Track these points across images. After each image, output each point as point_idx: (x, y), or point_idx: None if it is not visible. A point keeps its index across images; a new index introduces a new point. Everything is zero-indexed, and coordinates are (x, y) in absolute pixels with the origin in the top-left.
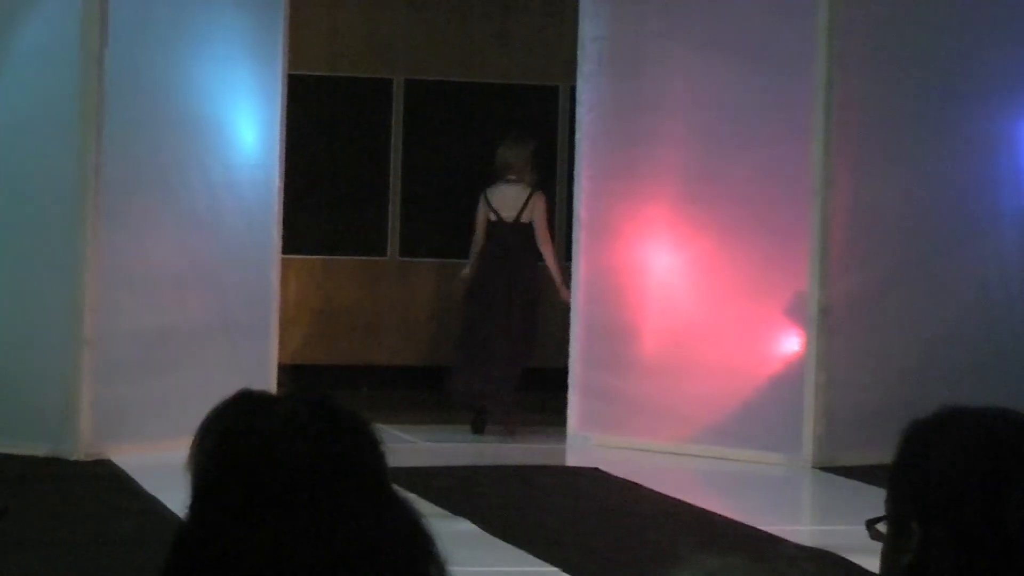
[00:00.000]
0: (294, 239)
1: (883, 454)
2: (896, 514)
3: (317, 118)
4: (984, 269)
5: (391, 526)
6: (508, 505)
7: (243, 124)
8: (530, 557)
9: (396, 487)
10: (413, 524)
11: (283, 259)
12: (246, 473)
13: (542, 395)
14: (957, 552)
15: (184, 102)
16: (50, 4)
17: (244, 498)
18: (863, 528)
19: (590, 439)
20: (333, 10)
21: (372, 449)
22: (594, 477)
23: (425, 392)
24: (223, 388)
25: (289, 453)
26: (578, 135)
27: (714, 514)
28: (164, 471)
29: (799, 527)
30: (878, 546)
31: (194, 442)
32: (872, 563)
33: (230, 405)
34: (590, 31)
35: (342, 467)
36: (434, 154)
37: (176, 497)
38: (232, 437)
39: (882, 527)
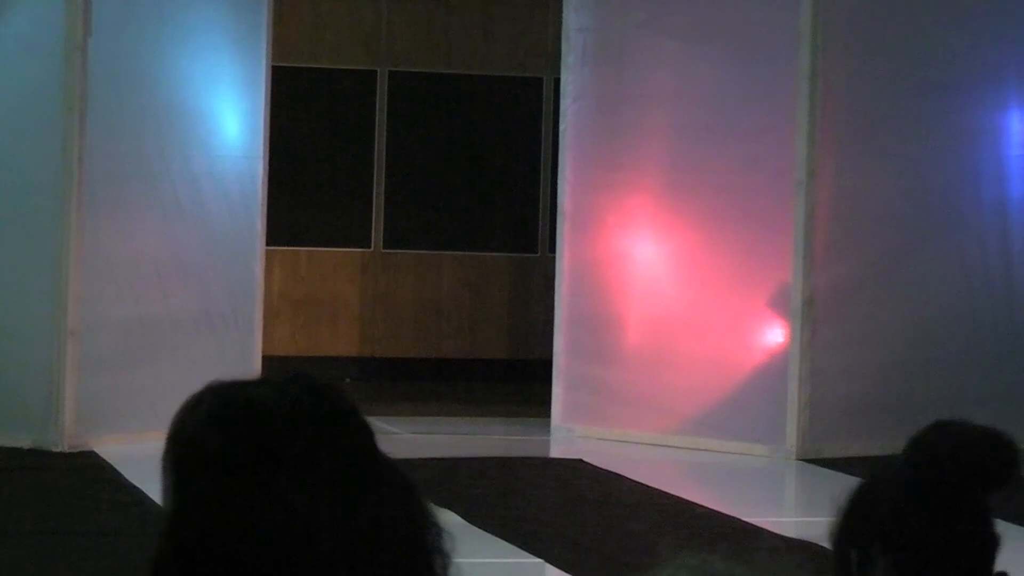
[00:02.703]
0: (278, 230)
1: (867, 446)
2: (839, 560)
3: (301, 109)
4: (967, 260)
5: (389, 486)
6: (492, 496)
7: (227, 115)
8: (514, 548)
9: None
10: (407, 486)
11: (267, 250)
12: (245, 434)
13: (526, 386)
14: (895, 563)
15: (168, 93)
16: None
17: (248, 459)
18: None
19: (574, 430)
20: (317, 1)
21: (357, 415)
22: (578, 468)
23: (409, 383)
24: (207, 380)
25: (284, 412)
26: (562, 126)
27: (698, 505)
28: (148, 462)
29: (783, 518)
30: None
31: (173, 428)
32: None
33: (204, 392)
34: (575, 22)
35: (336, 425)
36: (418, 146)
37: (160, 489)
38: (224, 406)
39: None
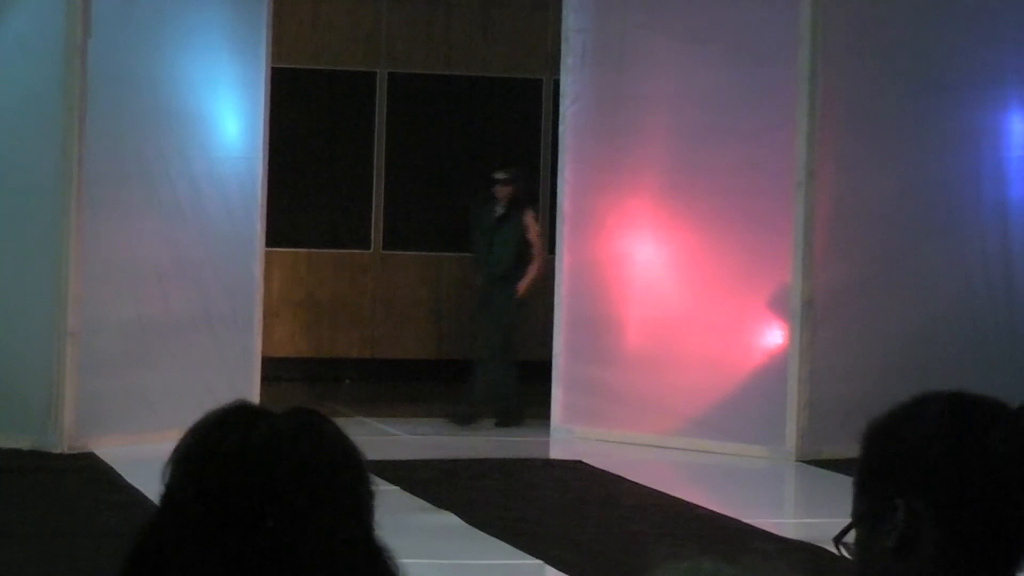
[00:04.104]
0: (278, 232)
1: None
2: (873, 500)
3: (301, 111)
4: (967, 261)
5: (350, 563)
6: (491, 498)
7: (227, 117)
8: (513, 549)
9: (378, 536)
10: (376, 566)
11: (267, 252)
12: (207, 490)
13: (525, 388)
14: (941, 523)
15: (168, 94)
16: None
17: (206, 512)
18: (845, 520)
19: (573, 432)
20: (317, 3)
21: (354, 481)
22: (577, 470)
23: (409, 384)
24: (207, 381)
25: (260, 473)
26: (561, 128)
27: (697, 507)
28: (147, 464)
29: (782, 520)
30: None
31: (176, 447)
32: None
33: (216, 416)
34: (574, 23)
35: (315, 496)
36: (417, 147)
37: (159, 490)
38: (205, 448)
39: (850, 537)
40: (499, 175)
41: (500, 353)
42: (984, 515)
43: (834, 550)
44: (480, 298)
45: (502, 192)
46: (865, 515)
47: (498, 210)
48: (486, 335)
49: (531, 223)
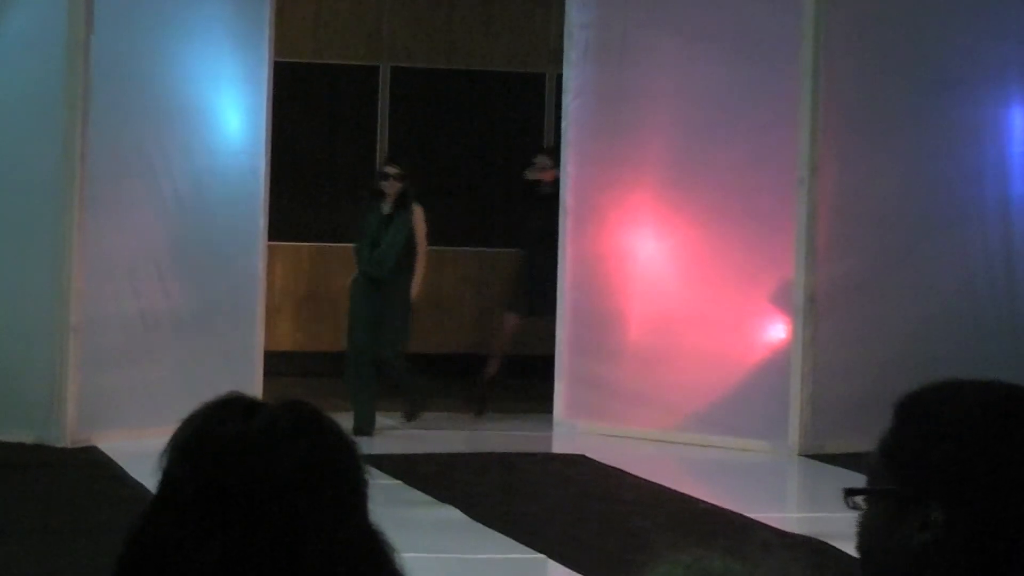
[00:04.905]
0: (280, 226)
1: (869, 442)
2: (902, 484)
3: (303, 105)
4: (969, 257)
5: (350, 557)
6: (493, 492)
7: (229, 111)
8: (515, 544)
9: (373, 521)
10: (377, 558)
11: (269, 246)
12: (206, 480)
13: (528, 382)
14: (975, 538)
15: (170, 89)
16: None
17: (200, 506)
18: (849, 515)
19: (576, 426)
20: None
21: (352, 474)
22: (580, 464)
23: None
24: (209, 375)
25: (260, 465)
26: (564, 123)
27: (700, 501)
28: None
29: (785, 514)
30: None
31: (172, 436)
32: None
33: (212, 406)
34: (577, 18)
35: (315, 489)
36: (420, 142)
37: (155, 481)
38: (203, 439)
39: (861, 500)
40: (389, 169)
41: (398, 351)
42: (1016, 534)
43: (845, 501)
44: (355, 294)
45: (392, 188)
46: (888, 494)
47: (386, 207)
48: (387, 337)
49: (419, 220)
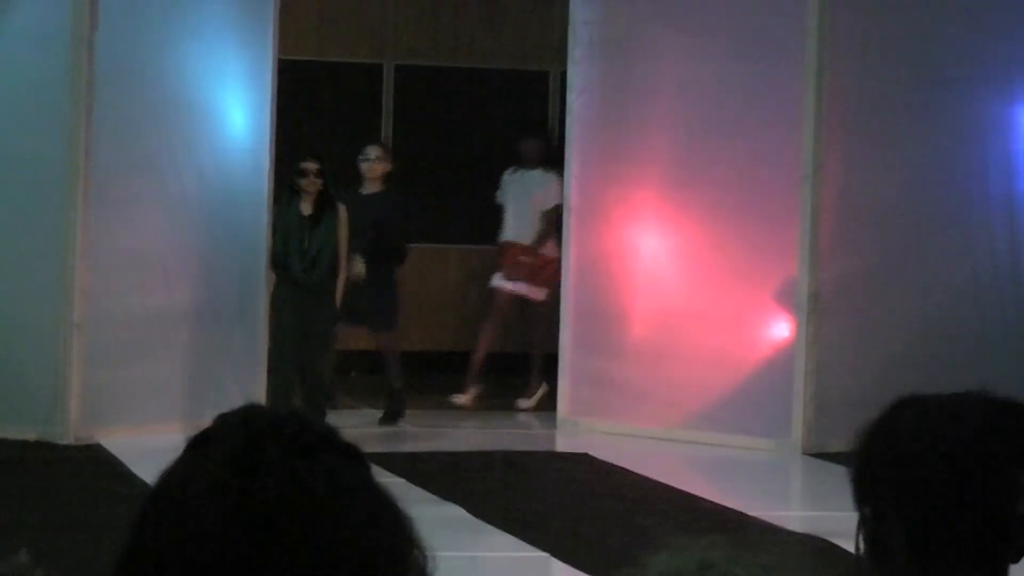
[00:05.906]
0: None
1: None
2: (857, 505)
3: (307, 103)
4: (974, 255)
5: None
6: (497, 490)
7: (233, 108)
8: (519, 542)
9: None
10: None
11: None
12: (196, 566)
13: (529, 380)
14: (908, 527)
15: (174, 86)
16: None
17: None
18: (851, 513)
19: (580, 424)
20: None
21: (399, 555)
22: (584, 462)
23: (414, 376)
24: (213, 373)
25: (263, 556)
26: (568, 120)
27: (703, 499)
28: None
29: (788, 512)
30: None
31: (149, 496)
32: None
33: (206, 458)
34: (581, 15)
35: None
36: (424, 139)
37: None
38: (185, 511)
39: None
40: (308, 165)
41: (326, 361)
42: (945, 519)
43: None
44: (281, 304)
45: (312, 185)
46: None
47: (305, 208)
48: (314, 347)
49: (344, 223)
